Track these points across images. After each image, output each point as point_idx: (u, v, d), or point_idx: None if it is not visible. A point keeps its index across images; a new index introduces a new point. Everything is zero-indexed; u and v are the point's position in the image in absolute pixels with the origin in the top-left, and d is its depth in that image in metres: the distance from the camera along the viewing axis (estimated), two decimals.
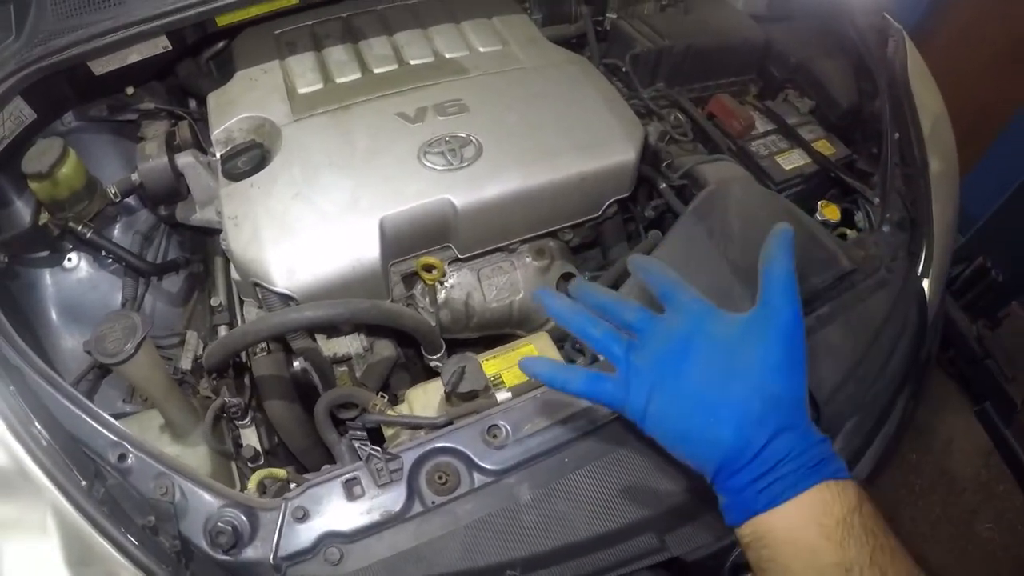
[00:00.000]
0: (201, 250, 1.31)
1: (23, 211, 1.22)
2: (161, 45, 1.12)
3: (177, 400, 1.06)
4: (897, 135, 1.21)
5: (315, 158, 1.03)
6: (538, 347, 1.03)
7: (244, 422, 1.09)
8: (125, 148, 1.28)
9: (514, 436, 0.85)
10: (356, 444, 0.86)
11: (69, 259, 1.24)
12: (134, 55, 1.12)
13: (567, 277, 1.17)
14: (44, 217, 1.19)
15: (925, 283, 1.19)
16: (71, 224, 1.15)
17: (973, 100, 1.83)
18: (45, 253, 1.22)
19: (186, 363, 1.14)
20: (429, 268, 1.04)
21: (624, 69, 1.27)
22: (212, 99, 1.15)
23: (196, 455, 1.07)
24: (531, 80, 1.15)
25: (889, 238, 1.19)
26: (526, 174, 1.03)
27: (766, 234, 1.07)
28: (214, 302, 1.21)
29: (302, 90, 1.14)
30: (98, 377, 1.20)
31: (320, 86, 1.14)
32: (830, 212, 1.20)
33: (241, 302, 1.17)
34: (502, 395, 0.92)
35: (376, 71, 1.16)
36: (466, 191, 1.00)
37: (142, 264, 1.20)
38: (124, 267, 1.22)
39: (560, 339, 1.09)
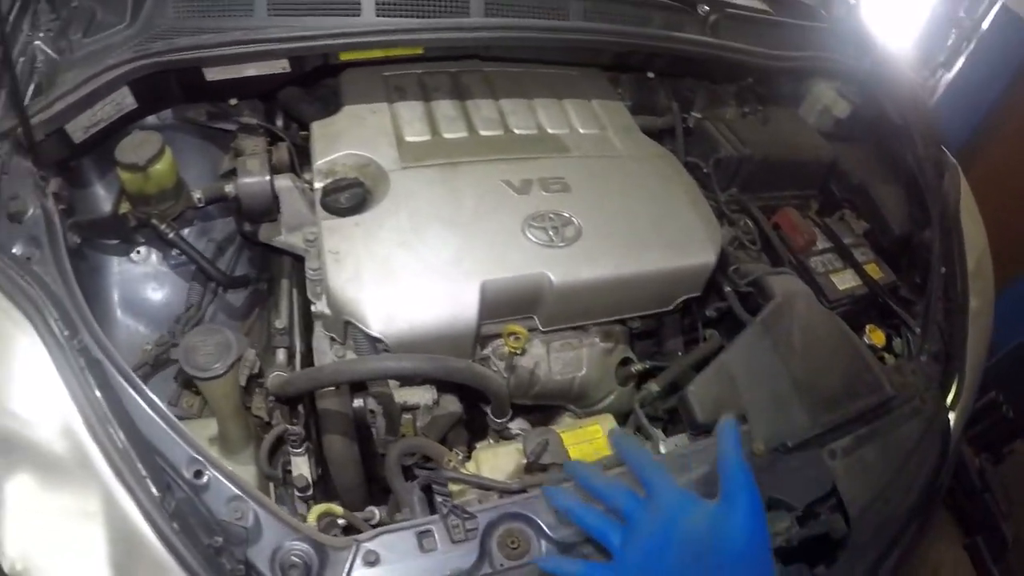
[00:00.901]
0: (268, 269, 1.39)
1: (102, 196, 1.29)
2: (280, 66, 1.23)
3: (241, 419, 1.13)
4: (944, 270, 1.39)
5: (423, 209, 1.14)
6: (603, 427, 1.15)
7: (298, 450, 1.16)
8: (212, 156, 1.36)
9: None
10: (439, 499, 0.95)
11: (138, 251, 1.31)
12: (251, 70, 1.22)
13: (625, 362, 1.29)
14: (124, 207, 1.26)
15: (951, 416, 1.36)
16: (154, 221, 1.22)
17: (1008, 227, 2.02)
18: (116, 242, 1.29)
19: (241, 379, 1.22)
20: (513, 335, 1.15)
21: (705, 170, 1.43)
22: (317, 128, 1.25)
23: (244, 474, 1.14)
24: (626, 169, 1.29)
25: (925, 368, 1.35)
26: (618, 263, 1.16)
27: (826, 353, 1.23)
28: (278, 324, 1.29)
29: (409, 138, 1.25)
30: (147, 375, 1.26)
31: (428, 137, 1.26)
32: (876, 337, 1.36)
33: (306, 328, 1.25)
34: None
35: (482, 133, 1.28)
36: (564, 270, 1.12)
37: (217, 273, 1.28)
38: (195, 272, 1.30)
39: (619, 413, 1.21)
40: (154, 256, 1.32)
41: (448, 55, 1.36)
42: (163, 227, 1.22)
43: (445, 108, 1.31)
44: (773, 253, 1.42)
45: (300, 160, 1.32)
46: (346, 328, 1.09)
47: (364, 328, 1.05)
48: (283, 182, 1.23)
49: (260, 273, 1.39)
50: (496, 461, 1.08)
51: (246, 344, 0.95)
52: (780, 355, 1.20)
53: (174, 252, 1.30)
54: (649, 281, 1.20)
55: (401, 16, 1.18)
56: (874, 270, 1.46)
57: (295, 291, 1.35)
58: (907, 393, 1.30)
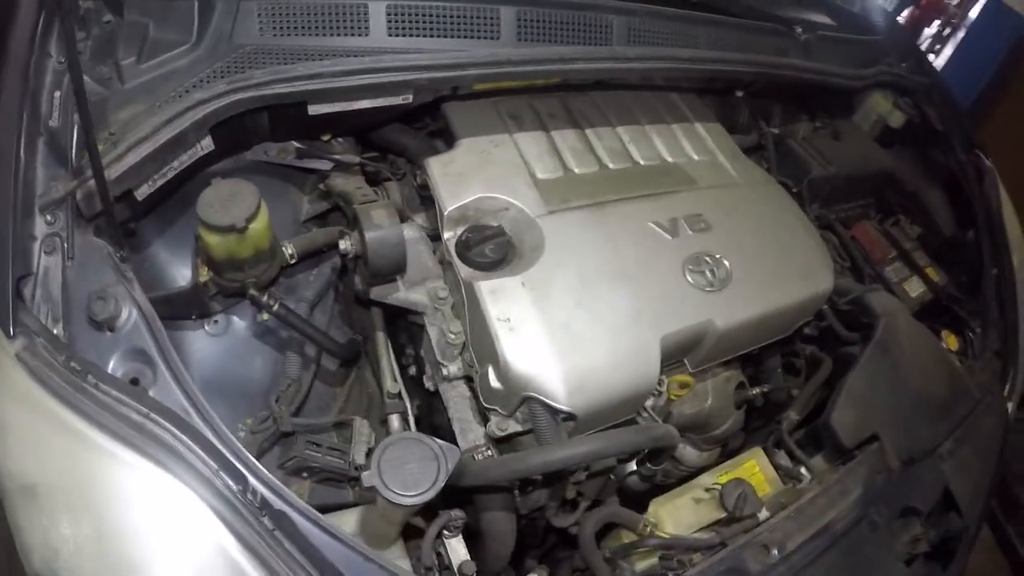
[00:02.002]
0: (355, 324, 1.24)
1: (164, 261, 1.07)
2: (402, 97, 1.07)
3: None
4: (995, 271, 1.55)
5: (587, 262, 1.06)
6: (759, 463, 1.19)
7: (455, 534, 1.07)
8: (290, 198, 1.17)
9: (780, 554, 1.00)
10: (670, 574, 0.93)
11: (215, 321, 1.11)
12: (367, 102, 1.05)
13: (740, 387, 1.33)
14: (204, 273, 1.06)
15: (1009, 406, 1.55)
16: (252, 292, 1.03)
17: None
18: (193, 317, 1.08)
19: (359, 456, 1.10)
20: (680, 384, 1.13)
21: (795, 190, 1.46)
22: (437, 167, 1.12)
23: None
24: (746, 199, 1.29)
25: (988, 365, 1.52)
26: (766, 300, 1.17)
27: (929, 365, 1.34)
28: (391, 388, 1.17)
29: (541, 175, 1.15)
30: None
31: (560, 174, 1.17)
32: (951, 342, 1.50)
33: (420, 391, 1.15)
34: (762, 513, 1.06)
35: (611, 167, 1.22)
36: (726, 314, 1.11)
37: (331, 344, 1.12)
38: (287, 339, 1.12)
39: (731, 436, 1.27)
40: (235, 323, 1.12)
41: (580, 84, 1.25)
42: (265, 298, 1.03)
43: (569, 139, 1.22)
44: (857, 268, 1.50)
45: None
46: (521, 402, 1.01)
47: (552, 403, 0.98)
48: (412, 232, 1.09)
49: (352, 330, 1.24)
50: (678, 515, 1.09)
51: (456, 453, 0.83)
52: (900, 373, 1.29)
53: (260, 318, 1.12)
54: (786, 313, 1.23)
55: (544, 42, 1.06)
56: (932, 273, 1.60)
57: (389, 345, 1.23)
58: (982, 392, 1.47)
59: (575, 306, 1.02)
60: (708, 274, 1.13)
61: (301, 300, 1.16)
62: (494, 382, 1.00)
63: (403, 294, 1.12)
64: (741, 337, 1.18)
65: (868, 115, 1.68)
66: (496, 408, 1.04)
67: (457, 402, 1.12)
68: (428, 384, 1.16)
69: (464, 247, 1.06)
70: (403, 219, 1.13)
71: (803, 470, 1.24)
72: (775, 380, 1.43)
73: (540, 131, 1.21)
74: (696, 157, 1.32)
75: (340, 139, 1.17)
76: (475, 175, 1.11)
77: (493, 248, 1.06)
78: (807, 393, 1.31)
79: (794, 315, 1.26)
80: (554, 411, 0.99)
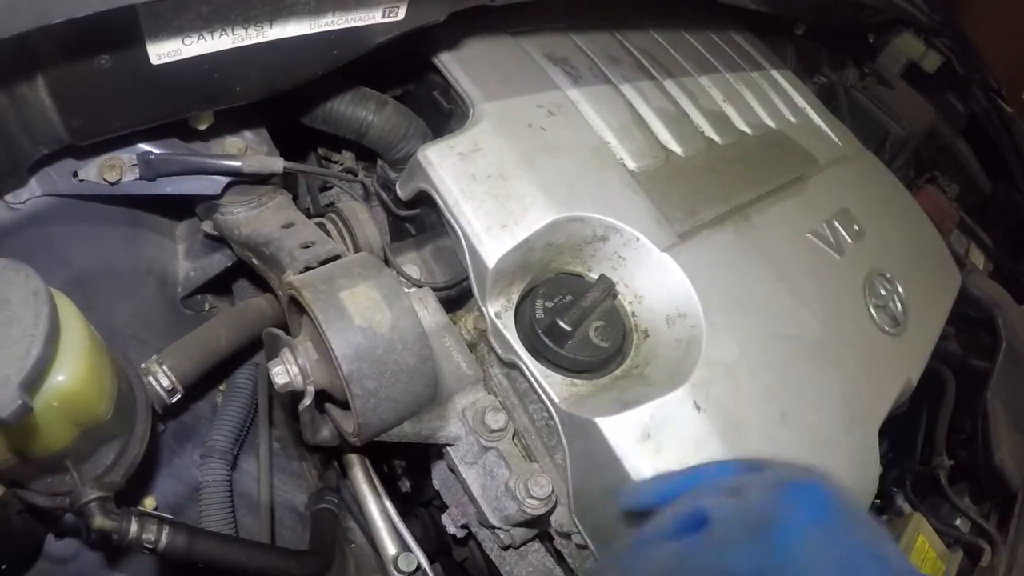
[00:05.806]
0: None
1: None
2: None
3: None
4: None
5: (766, 328, 0.60)
6: (925, 535, 0.86)
7: None
8: (148, 262, 0.55)
9: None
10: None
11: (59, 537, 0.51)
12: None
13: None
14: None
15: None
16: (99, 520, 0.43)
17: None
18: None
19: None
20: None
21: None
22: (446, 163, 0.56)
23: None
24: (863, 178, 0.92)
25: None
26: (935, 324, 0.81)
27: None
28: (406, 565, 0.65)
29: (635, 164, 0.64)
30: None
31: (661, 160, 0.67)
32: None
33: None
34: None
35: (719, 141, 0.74)
36: (916, 361, 0.74)
37: (293, 567, 0.54)
38: None
39: None
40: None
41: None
42: (132, 528, 0.44)
43: (652, 97, 0.72)
44: None
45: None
46: None
47: None
48: (428, 317, 0.54)
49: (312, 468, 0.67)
50: None
51: None
52: None
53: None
54: None
55: None
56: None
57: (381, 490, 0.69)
58: None
59: (779, 425, 0.55)
60: (892, 305, 0.73)
61: (209, 456, 0.57)
62: None
63: (414, 426, 0.57)
64: None
65: (896, 58, 1.36)
66: None
67: None
68: (453, 530, 0.65)
69: (545, 334, 0.55)
70: (404, 280, 0.57)
71: (958, 521, 0.94)
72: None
73: (606, 84, 0.69)
74: (793, 120, 0.89)
75: (241, 131, 0.55)
76: (527, 174, 0.58)
77: (601, 332, 0.56)
78: (944, 425, 0.99)
79: None
80: None
